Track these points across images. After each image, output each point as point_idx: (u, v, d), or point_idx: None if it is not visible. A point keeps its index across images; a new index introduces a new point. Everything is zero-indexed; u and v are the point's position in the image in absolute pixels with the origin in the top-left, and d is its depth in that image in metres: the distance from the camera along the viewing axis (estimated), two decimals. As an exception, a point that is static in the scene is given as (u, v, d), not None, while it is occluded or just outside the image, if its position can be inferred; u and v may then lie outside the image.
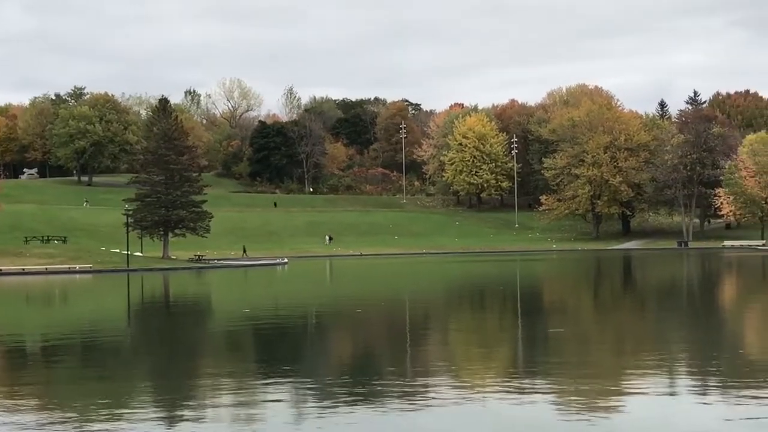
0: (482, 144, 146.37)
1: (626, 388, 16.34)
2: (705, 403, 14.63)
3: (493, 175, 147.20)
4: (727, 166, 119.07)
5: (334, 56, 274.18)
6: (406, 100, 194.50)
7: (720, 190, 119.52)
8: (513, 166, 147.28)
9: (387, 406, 14.61)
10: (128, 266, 74.54)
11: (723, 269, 67.79)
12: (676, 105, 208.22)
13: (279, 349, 23.74)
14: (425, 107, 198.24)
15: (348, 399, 15.30)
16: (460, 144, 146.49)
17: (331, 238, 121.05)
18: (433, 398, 15.42)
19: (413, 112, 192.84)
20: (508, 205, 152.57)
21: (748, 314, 32.33)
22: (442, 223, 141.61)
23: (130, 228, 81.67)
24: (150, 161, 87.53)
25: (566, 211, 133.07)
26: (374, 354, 22.78)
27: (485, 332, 26.78)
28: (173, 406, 15.53)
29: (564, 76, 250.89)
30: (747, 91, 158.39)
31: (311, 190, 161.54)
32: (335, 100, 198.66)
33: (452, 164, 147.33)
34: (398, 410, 14.36)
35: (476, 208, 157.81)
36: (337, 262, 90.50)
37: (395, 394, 15.69)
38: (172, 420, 14.26)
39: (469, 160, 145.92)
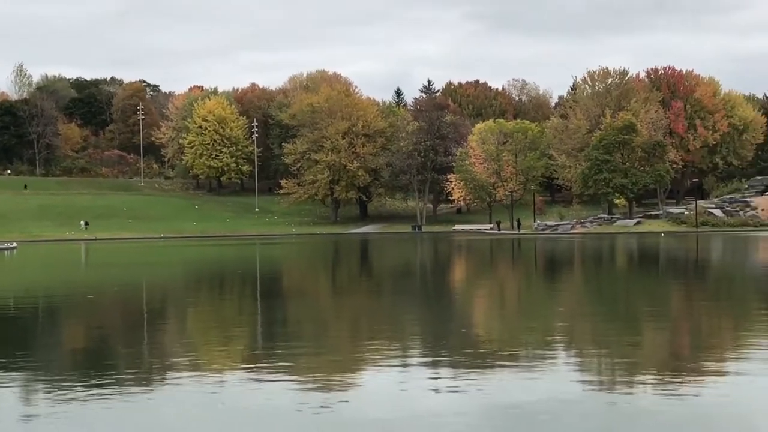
0: (222, 127, 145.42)
1: (362, 370, 16.72)
2: (435, 389, 15.17)
3: (234, 158, 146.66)
4: (458, 153, 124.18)
5: (68, 34, 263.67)
6: (144, 81, 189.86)
7: (451, 176, 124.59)
8: (253, 150, 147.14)
9: (125, 397, 14.25)
10: None
11: (453, 252, 70.61)
12: (412, 93, 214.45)
13: (2, 336, 22.64)
14: (164, 89, 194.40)
15: (81, 390, 14.78)
16: (200, 127, 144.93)
17: (87, 224, 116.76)
18: (171, 386, 15.19)
19: (151, 93, 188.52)
20: (249, 189, 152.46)
21: (473, 295, 33.87)
22: (181, 207, 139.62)
23: None
24: None
25: (306, 196, 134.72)
26: (107, 342, 22.12)
27: (223, 316, 26.64)
28: None
29: (305, 62, 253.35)
30: (477, 81, 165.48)
31: (43, 171, 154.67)
32: (69, 79, 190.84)
33: (192, 147, 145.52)
34: (136, 400, 14.05)
35: (216, 192, 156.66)
36: (70, 247, 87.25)
37: (131, 384, 15.32)
38: None
39: (209, 144, 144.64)
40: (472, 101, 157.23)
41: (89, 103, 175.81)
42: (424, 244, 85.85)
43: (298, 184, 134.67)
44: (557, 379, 15.12)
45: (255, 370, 16.40)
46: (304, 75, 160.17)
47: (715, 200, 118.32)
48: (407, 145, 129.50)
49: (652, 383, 14.74)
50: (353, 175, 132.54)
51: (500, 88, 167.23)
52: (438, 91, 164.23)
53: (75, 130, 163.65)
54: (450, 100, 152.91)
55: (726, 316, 24.50)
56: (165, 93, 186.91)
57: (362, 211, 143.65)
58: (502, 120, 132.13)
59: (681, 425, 12.01)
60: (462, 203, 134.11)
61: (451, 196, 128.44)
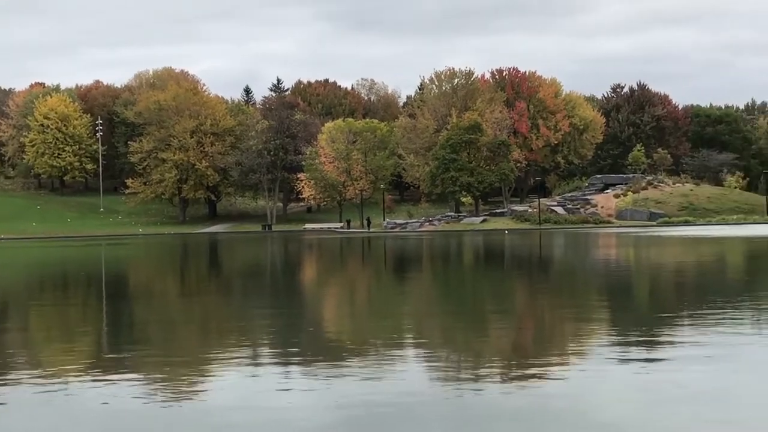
0: (65, 125, 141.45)
1: (210, 371, 16.58)
2: (286, 388, 15.19)
3: (77, 157, 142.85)
4: (308, 152, 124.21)
5: None
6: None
7: (302, 175, 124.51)
8: (98, 148, 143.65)
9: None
10: None
11: (303, 251, 70.64)
12: (262, 92, 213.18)
13: None
14: (3, 86, 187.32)
15: None
16: (42, 125, 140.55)
17: None
18: (10, 394, 14.71)
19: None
20: (93, 189, 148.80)
21: (321, 294, 33.99)
22: (22, 207, 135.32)
23: None
24: None
25: (153, 195, 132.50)
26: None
27: (66, 320, 25.92)
28: None
29: (152, 59, 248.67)
30: (326, 80, 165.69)
31: None
32: None
33: (33, 146, 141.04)
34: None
35: (59, 191, 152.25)
36: None
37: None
38: None
39: (51, 142, 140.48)
40: (321, 100, 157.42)
41: None
42: (275, 243, 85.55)
43: (145, 184, 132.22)
44: (407, 376, 15.34)
45: (99, 374, 16.05)
46: (151, 72, 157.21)
47: (557, 198, 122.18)
48: (257, 143, 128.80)
49: (498, 377, 15.13)
50: (202, 174, 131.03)
51: (349, 88, 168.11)
52: (287, 89, 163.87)
53: None
54: (300, 98, 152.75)
55: (567, 311, 25.32)
56: (4, 90, 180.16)
57: (211, 211, 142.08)
58: (351, 119, 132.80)
59: (526, 417, 12.38)
60: (312, 202, 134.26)
61: (302, 194, 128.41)
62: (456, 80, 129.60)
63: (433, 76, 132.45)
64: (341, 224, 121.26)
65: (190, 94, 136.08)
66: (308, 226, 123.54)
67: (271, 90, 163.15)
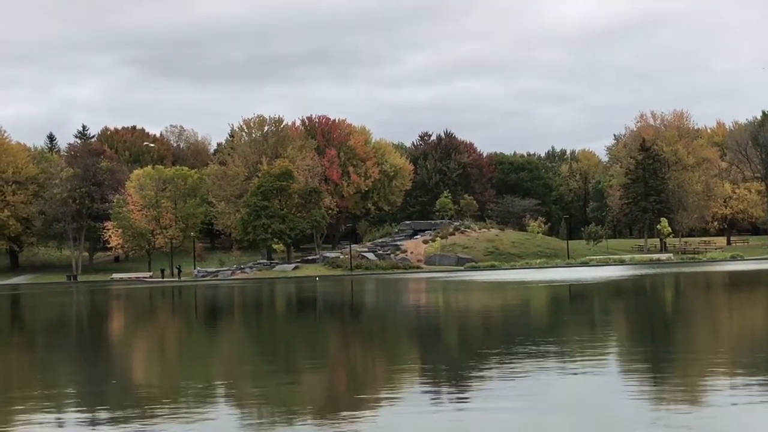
0: None
1: (13, 427, 15.98)
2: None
3: None
4: (115, 200, 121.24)
5: None
6: None
7: (109, 224, 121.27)
8: None
9: None
10: None
11: (111, 302, 68.78)
12: (67, 139, 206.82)
13: None
14: None
15: None
16: None
17: None
18: None
19: None
20: None
21: (127, 347, 33.20)
22: None
23: None
24: None
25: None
26: None
27: None
28: None
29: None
30: (134, 127, 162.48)
31: None
32: None
33: None
34: None
35: None
36: None
37: None
38: None
39: None
40: (129, 147, 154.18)
41: None
42: (80, 295, 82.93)
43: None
44: (216, 425, 15.19)
45: None
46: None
47: (369, 244, 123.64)
48: (61, 192, 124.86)
49: (312, 425, 15.19)
50: (3, 225, 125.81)
51: (158, 134, 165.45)
52: (94, 136, 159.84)
53: None
54: (106, 145, 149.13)
55: (379, 356, 25.63)
56: None
57: (13, 262, 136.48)
58: (160, 166, 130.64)
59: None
60: (120, 251, 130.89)
61: (109, 244, 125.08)
62: (266, 127, 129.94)
63: (242, 123, 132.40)
64: (150, 273, 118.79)
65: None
66: (116, 275, 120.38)
67: (76, 137, 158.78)
